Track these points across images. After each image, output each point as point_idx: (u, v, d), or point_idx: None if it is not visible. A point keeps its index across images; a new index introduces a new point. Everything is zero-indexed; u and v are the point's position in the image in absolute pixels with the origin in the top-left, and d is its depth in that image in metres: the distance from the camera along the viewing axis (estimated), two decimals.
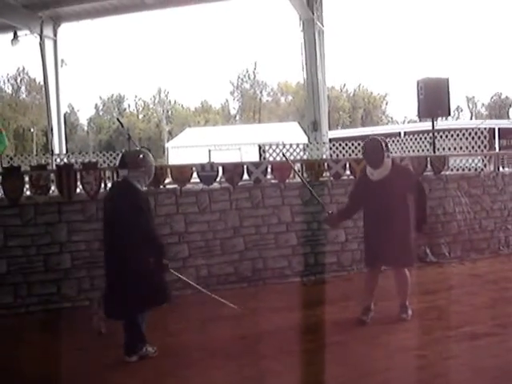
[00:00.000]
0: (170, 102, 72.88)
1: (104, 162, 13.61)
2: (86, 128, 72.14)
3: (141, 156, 5.31)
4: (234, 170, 8.45)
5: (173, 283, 6.30)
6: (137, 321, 5.29)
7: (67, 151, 21.44)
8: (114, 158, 13.85)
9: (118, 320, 5.41)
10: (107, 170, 8.66)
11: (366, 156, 6.32)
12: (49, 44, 20.40)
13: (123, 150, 13.10)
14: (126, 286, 5.11)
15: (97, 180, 7.87)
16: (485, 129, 11.37)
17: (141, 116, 72.44)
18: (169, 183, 8.50)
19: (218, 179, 8.54)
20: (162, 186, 8.32)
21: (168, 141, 49.17)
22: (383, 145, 6.17)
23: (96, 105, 72.70)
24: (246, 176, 8.60)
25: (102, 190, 7.94)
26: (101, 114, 72.64)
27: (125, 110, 73.51)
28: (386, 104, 76.51)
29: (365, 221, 6.53)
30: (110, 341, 5.82)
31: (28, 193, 8.03)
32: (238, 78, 73.39)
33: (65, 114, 26.32)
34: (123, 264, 5.10)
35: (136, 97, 73.26)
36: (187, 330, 6.25)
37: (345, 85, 73.76)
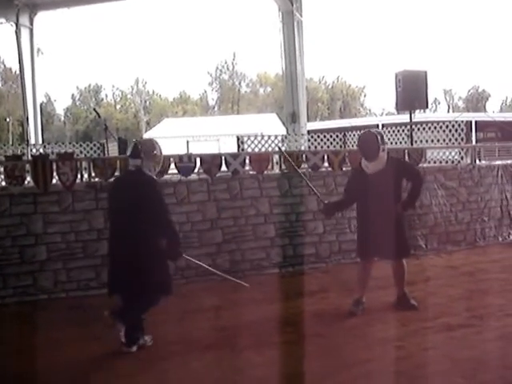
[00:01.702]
0: (147, 92, 72.34)
1: (81, 152, 13.46)
2: (62, 118, 71.41)
3: (155, 146, 5.41)
4: (211, 162, 8.41)
5: None
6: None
7: (43, 141, 21.17)
8: (91, 149, 13.72)
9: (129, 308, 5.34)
10: (83, 161, 8.56)
11: (361, 148, 6.34)
12: (25, 33, 20.10)
13: (103, 140, 12.98)
14: (143, 273, 5.15)
15: (73, 171, 7.78)
16: (462, 122, 11.43)
17: (118, 106, 71.83)
18: None
19: (196, 170, 8.50)
20: None
21: (146, 131, 49.00)
22: (378, 138, 6.20)
23: (73, 95, 72.00)
24: (224, 167, 8.57)
25: (78, 181, 7.88)
26: (78, 103, 71.92)
27: (102, 100, 72.87)
28: (365, 96, 76.93)
29: (359, 213, 6.60)
30: (85, 332, 5.83)
31: (3, 183, 7.93)
32: (217, 68, 73.17)
33: (41, 104, 26.05)
34: (141, 251, 5.14)
35: (113, 87, 72.72)
36: (168, 322, 6.20)
37: (323, 77, 73.99)
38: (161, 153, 5.50)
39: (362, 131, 6.52)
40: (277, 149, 8.18)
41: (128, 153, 5.43)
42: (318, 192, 6.92)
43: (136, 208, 5.14)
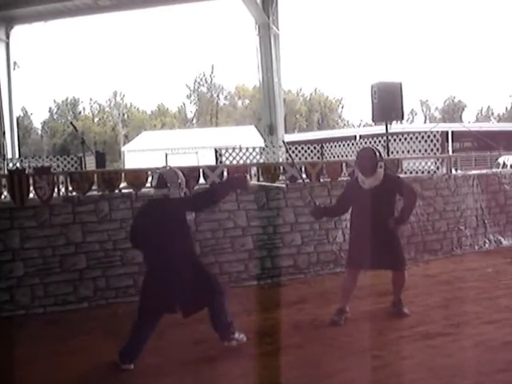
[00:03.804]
0: (125, 105, 72.21)
1: (58, 166, 13.37)
2: (39, 132, 70.93)
3: (178, 174, 5.58)
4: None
5: None
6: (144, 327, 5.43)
7: (20, 155, 21.01)
8: (69, 163, 13.64)
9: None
10: (60, 175, 8.52)
11: (359, 164, 6.38)
12: (1, 46, 19.97)
13: (84, 153, 12.90)
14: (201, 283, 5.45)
15: (50, 185, 7.73)
16: (437, 132, 11.55)
17: (96, 119, 71.53)
18: (124, 187, 8.43)
19: None
20: (116, 191, 8.25)
21: (124, 144, 48.82)
22: (377, 154, 6.27)
23: (50, 108, 71.63)
24: (202, 180, 8.57)
25: (55, 195, 7.84)
26: (55, 117, 71.48)
27: (80, 113, 72.51)
28: (342, 108, 77.45)
29: (352, 225, 6.63)
30: (63, 347, 5.79)
31: None
32: (195, 81, 73.25)
33: (18, 118, 25.85)
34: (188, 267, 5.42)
35: (91, 100, 72.47)
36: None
37: (301, 89, 74.47)
38: (183, 179, 5.66)
39: (360, 147, 6.53)
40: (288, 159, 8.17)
41: (154, 183, 5.58)
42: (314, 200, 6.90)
43: (174, 232, 5.33)
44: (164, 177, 5.50)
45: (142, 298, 5.48)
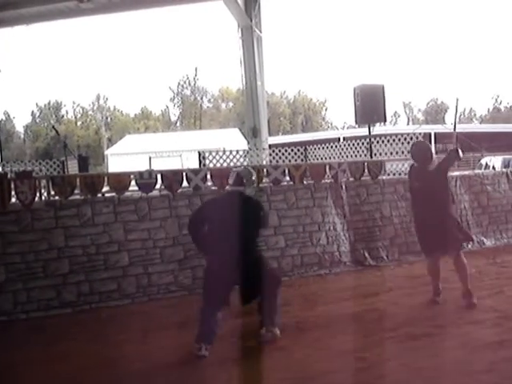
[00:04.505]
0: (109, 108, 71.79)
1: (40, 170, 13.30)
2: (22, 136, 70.39)
3: (252, 173, 6.18)
4: (172, 177, 8.39)
5: None
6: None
7: (2, 160, 20.82)
8: (51, 166, 13.57)
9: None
10: (42, 179, 8.46)
11: (415, 156, 6.97)
12: None
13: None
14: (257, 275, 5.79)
15: (32, 189, 7.66)
16: (420, 133, 11.63)
17: (79, 123, 71.03)
18: (107, 191, 8.39)
19: (157, 187, 8.47)
20: (99, 195, 8.20)
21: (107, 148, 48.57)
22: (430, 146, 6.97)
23: (33, 112, 71.00)
24: (186, 183, 8.55)
25: (37, 200, 7.78)
26: (38, 121, 70.94)
27: (63, 116, 71.97)
28: (326, 110, 77.54)
29: (416, 215, 7.15)
30: (47, 352, 5.71)
31: None
32: (179, 84, 72.97)
33: (0, 122, 25.67)
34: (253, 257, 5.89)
35: (74, 103, 71.92)
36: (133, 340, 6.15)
37: (285, 91, 74.47)
38: (255, 178, 6.35)
39: (413, 141, 7.33)
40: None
41: (231, 181, 6.07)
42: None
43: (249, 224, 5.76)
44: (240, 175, 6.02)
45: (207, 286, 5.86)
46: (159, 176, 8.41)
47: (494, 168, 17.86)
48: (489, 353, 5.21)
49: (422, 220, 6.86)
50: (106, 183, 8.28)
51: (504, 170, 12.87)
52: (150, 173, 8.38)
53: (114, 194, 8.19)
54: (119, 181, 8.23)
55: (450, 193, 7.04)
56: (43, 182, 8.26)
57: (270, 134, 24.23)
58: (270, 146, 17.18)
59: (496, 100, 73.92)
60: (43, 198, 8.09)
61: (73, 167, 12.81)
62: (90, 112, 71.65)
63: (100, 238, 7.79)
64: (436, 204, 6.69)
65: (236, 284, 5.74)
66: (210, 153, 12.66)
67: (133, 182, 8.35)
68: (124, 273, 7.88)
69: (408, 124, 68.25)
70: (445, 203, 6.79)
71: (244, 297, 5.83)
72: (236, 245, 5.59)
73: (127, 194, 8.27)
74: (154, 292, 7.98)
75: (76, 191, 8.18)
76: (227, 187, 6.22)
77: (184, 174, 8.55)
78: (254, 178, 6.20)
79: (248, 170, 6.20)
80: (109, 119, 70.73)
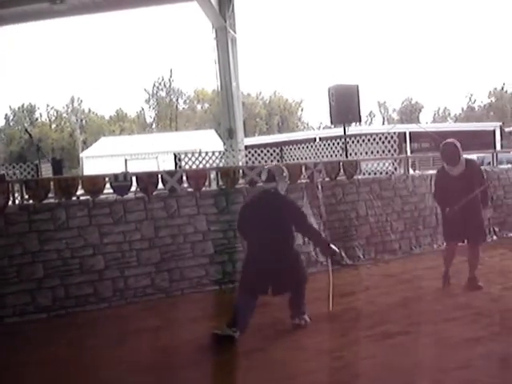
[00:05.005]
0: (83, 110, 71.17)
1: (14, 174, 13.15)
2: None
3: (284, 170, 6.52)
4: (148, 180, 8.35)
5: None
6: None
7: None
8: (25, 170, 13.42)
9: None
10: (16, 183, 8.36)
11: (445, 156, 7.51)
12: None
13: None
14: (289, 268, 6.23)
15: (4, 193, 7.56)
16: (394, 133, 11.71)
17: (53, 126, 70.36)
18: (82, 194, 8.31)
19: (132, 189, 8.42)
20: (74, 198, 8.12)
21: (82, 151, 48.18)
22: (458, 147, 7.42)
23: (6, 115, 70.14)
24: (161, 185, 8.51)
25: (10, 204, 7.69)
26: (11, 124, 70.11)
27: (37, 119, 71.23)
28: (302, 110, 77.73)
29: (445, 206, 7.65)
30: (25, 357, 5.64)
31: None
32: (154, 85, 72.61)
33: None
34: (290, 251, 6.33)
35: (48, 106, 71.22)
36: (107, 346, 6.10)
37: (261, 92, 74.50)
38: (287, 174, 6.63)
39: (443, 142, 7.62)
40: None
41: (263, 177, 6.43)
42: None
43: (284, 220, 6.21)
44: (272, 172, 6.37)
45: (244, 277, 6.30)
46: (134, 178, 8.36)
47: None
48: (465, 349, 5.26)
49: (455, 215, 7.37)
50: (80, 186, 8.20)
51: None
52: (125, 175, 8.32)
53: (88, 197, 8.11)
54: (94, 184, 8.16)
55: (484, 195, 7.64)
56: (16, 186, 8.15)
57: (246, 135, 24.21)
58: (246, 147, 17.15)
59: (470, 99, 74.87)
60: (17, 202, 7.98)
61: (47, 171, 12.68)
62: (65, 114, 70.99)
63: (75, 241, 7.73)
64: (469, 203, 7.30)
65: (272, 277, 6.11)
66: (186, 154, 12.62)
67: (108, 185, 8.28)
68: (100, 276, 7.82)
69: (383, 124, 68.76)
70: (476, 202, 7.44)
71: (277, 288, 6.20)
72: (274, 240, 6.06)
73: (102, 196, 8.20)
74: (131, 295, 7.93)
75: (50, 195, 8.09)
76: (259, 184, 6.72)
77: (159, 176, 8.51)
78: (285, 174, 6.48)
79: (279, 167, 6.63)
80: (83, 122, 70.11)
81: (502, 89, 71.61)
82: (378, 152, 11.70)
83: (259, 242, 6.19)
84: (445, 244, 8.28)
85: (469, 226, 7.39)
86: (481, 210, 7.60)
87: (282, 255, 6.15)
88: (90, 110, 71.78)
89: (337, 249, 6.65)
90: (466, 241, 7.64)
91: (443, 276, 7.67)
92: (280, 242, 6.15)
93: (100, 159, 34.38)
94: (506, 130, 34.03)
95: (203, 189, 8.70)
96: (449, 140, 7.52)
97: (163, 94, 73.26)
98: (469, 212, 7.32)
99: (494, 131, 31.24)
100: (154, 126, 73.71)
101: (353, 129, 19.64)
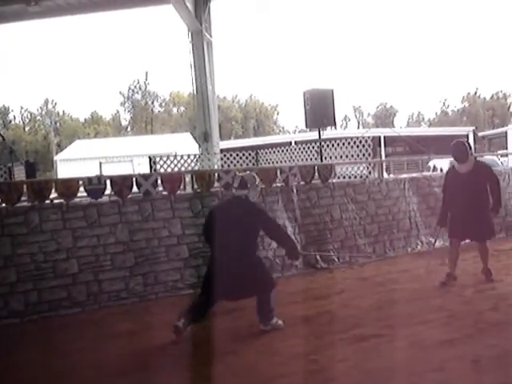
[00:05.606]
0: (58, 113, 70.60)
1: None
2: None
3: (256, 179, 6.66)
4: (122, 183, 8.29)
5: None
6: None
7: None
8: None
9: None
10: None
11: (455, 154, 7.83)
12: None
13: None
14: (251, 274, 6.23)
15: None
16: (368, 137, 11.79)
17: (27, 128, 69.70)
18: (55, 198, 8.24)
19: (107, 192, 8.36)
20: (47, 201, 8.05)
21: (57, 153, 47.70)
22: (467, 145, 7.83)
23: None
24: (136, 188, 8.47)
25: None
26: None
27: (10, 122, 70.50)
28: (278, 114, 77.98)
29: (452, 203, 7.94)
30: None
31: None
32: (129, 88, 72.28)
33: None
34: (253, 257, 6.38)
35: (22, 108, 70.54)
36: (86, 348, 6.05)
37: (236, 95, 74.60)
38: (259, 182, 6.84)
39: (453, 142, 7.92)
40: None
41: (235, 185, 6.51)
42: None
43: (249, 225, 6.29)
44: (245, 179, 6.47)
45: (206, 279, 6.30)
46: (108, 182, 8.30)
47: (441, 170, 18.20)
48: (439, 352, 5.30)
49: (460, 212, 7.74)
50: (54, 189, 8.12)
51: None
52: (99, 178, 8.26)
53: (62, 200, 8.04)
54: (68, 187, 8.09)
55: (487, 194, 7.84)
56: None
57: (222, 139, 24.21)
58: (221, 151, 17.16)
59: (444, 104, 75.73)
60: None
61: (20, 173, 12.55)
62: (39, 117, 70.38)
63: (48, 245, 7.65)
64: (475, 201, 7.67)
65: (235, 282, 6.09)
66: (161, 157, 12.57)
67: (82, 188, 8.21)
68: (74, 280, 7.75)
69: (358, 128, 69.19)
70: (483, 200, 7.76)
71: (237, 293, 6.26)
72: (238, 245, 6.10)
73: (76, 200, 8.14)
74: (105, 299, 7.87)
75: (23, 198, 8.01)
76: (232, 190, 6.64)
77: (134, 179, 8.47)
78: (257, 183, 6.64)
79: (252, 175, 6.70)
80: (58, 124, 69.54)
81: (475, 94, 72.62)
82: (352, 156, 11.77)
83: (221, 246, 6.18)
84: (448, 242, 8.42)
85: (476, 224, 7.71)
86: (488, 207, 7.82)
87: (242, 261, 6.17)
88: (64, 113, 71.29)
89: (301, 253, 6.99)
90: (469, 239, 8.07)
91: (447, 274, 7.88)
92: (242, 248, 6.18)
93: (74, 162, 34.10)
94: (479, 134, 34.44)
95: (178, 192, 8.68)
96: (459, 139, 7.97)
97: (139, 96, 72.99)
98: (475, 210, 7.66)
99: (467, 135, 31.61)
100: (129, 128, 73.36)
101: (328, 133, 19.77)
